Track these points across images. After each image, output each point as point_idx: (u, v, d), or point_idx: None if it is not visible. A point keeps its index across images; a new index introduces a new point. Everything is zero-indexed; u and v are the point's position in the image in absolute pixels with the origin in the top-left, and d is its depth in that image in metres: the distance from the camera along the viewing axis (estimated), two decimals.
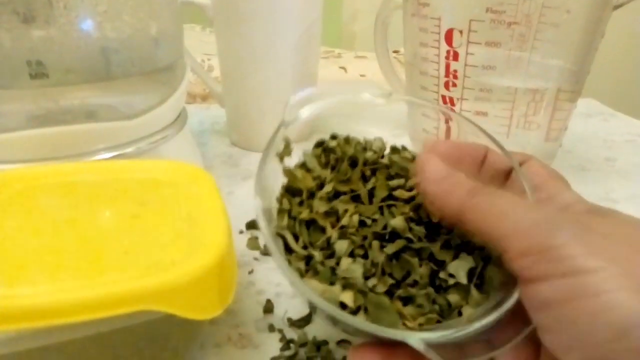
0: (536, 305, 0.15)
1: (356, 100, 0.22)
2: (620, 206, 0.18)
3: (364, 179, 0.21)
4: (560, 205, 0.19)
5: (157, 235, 0.19)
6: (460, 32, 0.32)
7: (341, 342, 0.22)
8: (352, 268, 0.17)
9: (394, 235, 0.18)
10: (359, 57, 0.75)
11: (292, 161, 0.21)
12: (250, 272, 0.27)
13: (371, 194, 0.20)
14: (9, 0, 0.23)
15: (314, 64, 0.42)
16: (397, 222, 0.18)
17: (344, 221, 0.19)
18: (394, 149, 0.22)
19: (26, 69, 0.25)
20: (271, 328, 0.23)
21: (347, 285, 0.17)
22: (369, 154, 0.21)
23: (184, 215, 0.20)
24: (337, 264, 0.18)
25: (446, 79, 0.34)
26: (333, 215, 0.19)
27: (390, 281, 0.18)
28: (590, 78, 0.36)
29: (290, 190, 0.20)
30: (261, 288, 0.25)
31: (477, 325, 0.16)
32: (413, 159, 0.21)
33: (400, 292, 0.18)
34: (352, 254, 0.18)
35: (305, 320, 0.23)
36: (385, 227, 0.19)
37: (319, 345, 0.22)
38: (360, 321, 0.16)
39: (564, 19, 0.32)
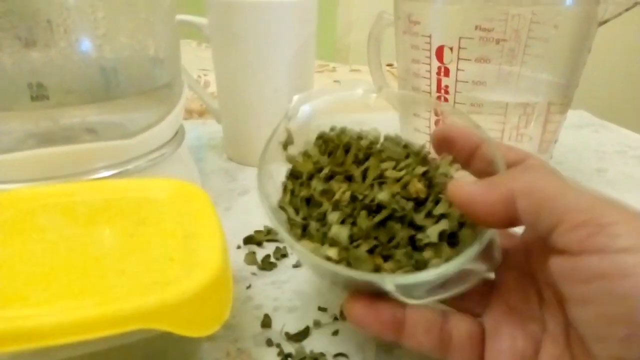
0: (582, 277, 0.16)
1: (351, 96, 0.26)
2: None
3: (359, 162, 0.23)
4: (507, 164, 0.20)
5: (153, 254, 0.19)
6: (451, 49, 0.33)
7: (338, 356, 0.22)
8: (339, 231, 0.20)
9: (381, 207, 0.21)
10: (353, 70, 0.76)
11: (295, 150, 0.25)
12: (248, 287, 0.27)
13: (365, 175, 0.23)
14: (12, 26, 0.24)
15: (309, 79, 0.43)
16: (383, 195, 0.21)
17: (337, 196, 0.22)
18: (387, 137, 0.25)
19: (27, 91, 0.25)
20: (269, 342, 0.23)
21: (333, 243, 0.20)
22: (364, 142, 0.24)
23: (180, 234, 0.20)
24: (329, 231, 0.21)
25: (438, 94, 0.35)
26: (329, 193, 0.22)
27: (374, 242, 0.20)
28: (580, 90, 0.37)
29: (293, 174, 0.24)
30: (259, 303, 0.26)
31: (439, 270, 0.19)
32: (405, 145, 0.24)
33: (381, 249, 0.20)
34: (342, 223, 0.21)
35: (303, 334, 0.24)
36: (373, 200, 0.21)
37: (317, 358, 0.22)
38: (341, 268, 0.19)
39: (552, 34, 0.33)
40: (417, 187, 0.21)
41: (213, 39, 0.40)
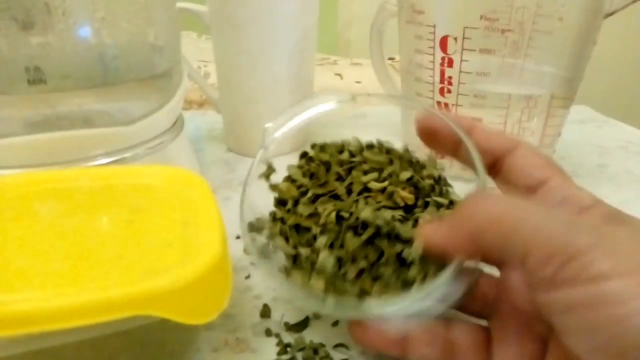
0: (559, 309, 0.15)
1: (325, 110, 0.24)
2: None
3: (341, 178, 0.23)
4: (578, 207, 0.18)
5: (151, 240, 0.19)
6: (455, 39, 0.33)
7: (338, 346, 0.22)
8: (326, 258, 0.20)
9: (366, 224, 0.21)
10: (354, 64, 0.75)
11: (279, 176, 0.25)
12: (247, 277, 0.27)
13: (350, 190, 0.22)
14: (8, 7, 0.24)
15: (310, 70, 0.42)
16: (365, 213, 0.21)
17: (322, 219, 0.21)
18: (369, 145, 0.25)
19: (24, 75, 0.25)
20: (268, 332, 0.23)
21: (320, 272, 0.20)
22: (344, 156, 0.24)
23: (179, 221, 0.20)
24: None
25: (441, 85, 0.35)
26: (317, 216, 0.22)
27: (362, 265, 0.20)
28: (583, 85, 0.37)
29: (280, 202, 0.24)
30: (258, 293, 0.26)
31: (420, 294, 0.19)
32: (387, 151, 0.24)
33: (369, 272, 0.20)
34: (332, 246, 0.21)
35: (302, 325, 0.23)
36: (357, 219, 0.21)
37: (316, 349, 0.22)
38: (327, 309, 0.20)
39: (556, 27, 0.32)
40: (402, 194, 0.21)
41: (213, 28, 0.40)
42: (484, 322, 0.21)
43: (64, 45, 0.26)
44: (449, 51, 0.33)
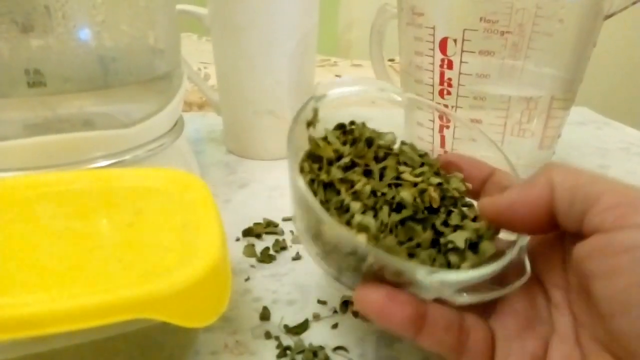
0: (616, 250, 0.16)
1: (377, 92, 0.26)
2: None
3: (377, 160, 0.23)
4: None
5: (151, 243, 0.19)
6: (455, 41, 0.33)
7: (337, 349, 0.22)
8: (367, 219, 0.19)
9: (401, 206, 0.21)
10: (355, 65, 0.75)
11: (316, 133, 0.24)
12: (247, 279, 0.27)
13: (382, 174, 0.22)
14: (8, 10, 0.24)
15: (311, 72, 0.42)
16: (406, 194, 0.21)
17: (357, 187, 0.21)
18: (404, 142, 0.25)
19: (24, 77, 0.25)
20: (268, 335, 0.23)
21: (361, 229, 0.19)
22: (382, 142, 0.24)
23: (178, 223, 0.20)
24: (351, 219, 0.20)
25: (441, 87, 0.35)
26: (348, 182, 0.21)
27: (400, 238, 0.20)
28: (583, 87, 0.37)
29: (312, 157, 0.23)
30: (258, 295, 0.26)
31: (474, 273, 0.18)
32: (421, 155, 0.24)
33: (406, 248, 0.20)
34: (364, 214, 0.20)
35: (302, 327, 0.23)
36: (393, 198, 0.21)
37: (316, 351, 0.22)
38: (377, 251, 0.18)
39: (556, 29, 0.32)
40: (432, 195, 0.21)
41: (213, 30, 0.40)
42: None
43: (64, 48, 0.26)
44: (448, 53, 0.33)
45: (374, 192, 0.21)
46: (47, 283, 0.17)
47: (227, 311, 0.24)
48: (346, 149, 0.23)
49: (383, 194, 0.21)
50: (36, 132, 0.26)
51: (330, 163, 0.22)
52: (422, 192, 0.21)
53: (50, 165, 0.26)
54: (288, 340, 0.22)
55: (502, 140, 0.35)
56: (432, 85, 0.35)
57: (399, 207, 0.21)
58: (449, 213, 0.21)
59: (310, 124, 0.24)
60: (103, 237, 0.20)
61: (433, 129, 0.37)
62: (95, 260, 0.18)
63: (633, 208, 0.16)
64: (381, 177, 0.22)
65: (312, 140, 0.23)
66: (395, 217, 0.20)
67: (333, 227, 0.18)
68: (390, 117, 0.50)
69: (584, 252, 0.17)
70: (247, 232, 0.31)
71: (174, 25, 0.33)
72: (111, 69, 0.28)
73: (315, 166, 0.22)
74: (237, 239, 0.30)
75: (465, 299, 0.18)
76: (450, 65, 0.34)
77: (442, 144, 0.37)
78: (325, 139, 0.23)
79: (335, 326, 0.23)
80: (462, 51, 0.33)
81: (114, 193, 0.22)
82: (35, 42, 0.25)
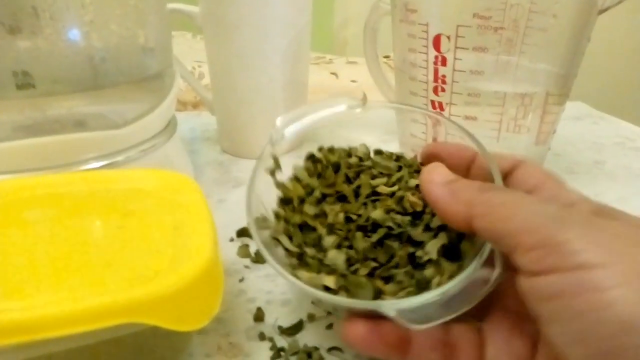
0: (544, 296, 0.16)
1: (335, 112, 0.25)
2: None
3: (349, 181, 0.23)
4: (565, 203, 0.19)
5: (142, 246, 0.19)
6: (448, 37, 0.32)
7: (332, 349, 0.22)
8: (336, 256, 0.20)
9: (376, 225, 0.20)
10: (350, 62, 0.75)
11: (284, 175, 0.24)
12: (241, 280, 0.27)
13: (357, 193, 0.22)
14: None
15: (304, 70, 0.42)
16: (377, 213, 0.20)
17: (330, 219, 0.21)
18: (377, 152, 0.24)
19: (12, 79, 0.25)
20: (262, 336, 0.23)
21: (331, 271, 0.19)
22: (353, 159, 0.24)
23: (170, 225, 0.20)
24: (324, 257, 0.20)
25: (435, 84, 0.34)
26: (323, 216, 0.21)
27: (373, 264, 0.20)
28: (578, 81, 0.37)
29: (284, 200, 0.23)
30: (252, 296, 0.25)
31: (440, 290, 0.18)
32: (396, 158, 0.24)
33: (381, 272, 0.20)
34: (339, 247, 0.20)
35: (296, 328, 0.23)
36: (367, 220, 0.20)
37: (310, 352, 0.21)
38: (340, 299, 0.19)
39: (550, 24, 0.32)
40: (412, 200, 0.21)
41: (205, 29, 0.39)
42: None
43: (52, 49, 0.26)
44: (442, 50, 0.33)
45: (348, 219, 0.21)
46: (36, 287, 0.16)
47: (221, 312, 0.24)
48: (316, 182, 0.23)
49: (359, 215, 0.21)
50: (26, 134, 0.26)
51: (303, 201, 0.22)
52: (400, 200, 0.21)
53: (41, 168, 0.26)
54: (282, 341, 0.22)
55: (498, 137, 0.35)
56: (426, 82, 0.35)
57: (375, 227, 0.20)
58: (433, 217, 0.21)
59: (273, 172, 0.24)
60: (93, 240, 0.20)
61: (426, 124, 0.37)
62: (85, 264, 0.18)
63: (551, 248, 0.15)
64: (357, 195, 0.22)
65: (279, 185, 0.23)
66: (370, 240, 0.20)
67: (296, 283, 0.19)
68: (382, 115, 0.49)
69: (520, 290, 0.17)
70: (242, 233, 0.31)
71: (165, 24, 0.33)
72: (101, 69, 0.28)
73: (289, 208, 0.22)
74: (231, 240, 0.30)
75: (418, 327, 0.17)
76: (444, 62, 0.33)
77: (435, 140, 0.37)
78: (294, 177, 0.24)
79: (329, 326, 0.23)
80: (456, 48, 0.32)
81: (104, 195, 0.22)
82: (23, 44, 0.25)
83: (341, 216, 0.21)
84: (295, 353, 0.21)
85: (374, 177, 0.23)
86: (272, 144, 0.24)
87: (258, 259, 0.28)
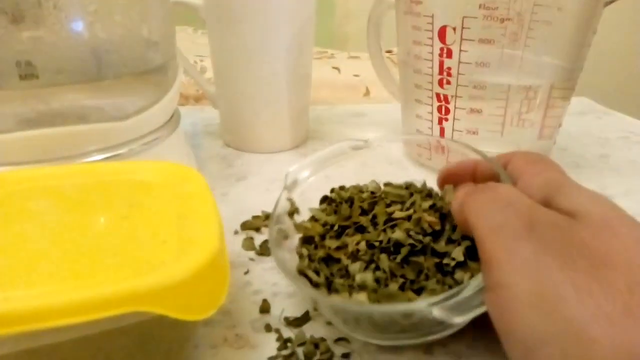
0: (489, 309, 0.17)
1: (340, 152, 0.27)
2: (615, 202, 0.18)
3: (365, 213, 0.24)
4: (531, 194, 0.20)
5: (147, 236, 0.19)
6: (454, 29, 0.32)
7: (339, 340, 0.22)
8: (364, 277, 0.20)
9: (399, 245, 0.21)
10: (352, 57, 0.75)
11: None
12: (246, 272, 0.26)
13: (375, 222, 0.23)
14: None
15: (308, 64, 0.42)
16: (397, 234, 0.21)
17: (351, 247, 0.22)
18: (387, 184, 0.26)
19: (15, 69, 0.24)
20: (268, 328, 0.22)
21: (361, 289, 0.20)
22: (365, 194, 0.25)
23: (175, 216, 0.20)
24: (353, 281, 0.21)
25: (440, 76, 0.34)
26: (345, 247, 0.22)
27: (401, 280, 0.20)
28: (583, 77, 0.36)
29: (305, 240, 0.24)
30: (257, 288, 0.25)
31: (469, 283, 0.18)
32: (406, 187, 0.25)
33: (411, 285, 0.20)
34: (366, 269, 0.21)
35: (303, 319, 0.23)
36: (389, 242, 0.21)
37: (317, 343, 0.21)
38: (378, 306, 0.19)
39: (555, 17, 0.32)
40: (429, 219, 0.22)
41: (209, 22, 0.39)
42: None
43: (55, 39, 0.25)
44: (447, 41, 0.33)
45: (371, 245, 0.22)
46: (41, 277, 0.16)
47: (227, 304, 0.23)
48: (333, 218, 0.24)
49: (380, 242, 0.21)
50: (29, 125, 0.26)
51: (323, 237, 0.23)
52: (418, 221, 0.22)
53: (44, 160, 0.26)
54: (289, 333, 0.22)
55: (502, 131, 0.35)
56: (432, 75, 0.35)
57: (397, 248, 0.21)
58: (454, 228, 0.22)
59: (292, 214, 0.25)
60: (98, 231, 0.19)
61: (432, 121, 0.36)
62: (91, 254, 0.18)
63: (486, 267, 0.17)
64: (375, 225, 0.23)
65: (298, 226, 0.25)
66: (395, 260, 0.21)
67: (331, 302, 0.20)
68: (387, 112, 0.49)
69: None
70: (246, 225, 0.30)
71: (168, 17, 0.32)
72: (105, 60, 0.28)
73: (311, 247, 0.23)
74: (236, 232, 0.30)
75: (460, 319, 0.18)
76: (449, 54, 0.33)
77: (442, 136, 0.36)
78: (312, 218, 0.25)
79: None
80: (462, 39, 0.32)
81: (109, 186, 0.22)
82: (26, 33, 0.25)
83: (363, 243, 0.22)
84: (302, 344, 0.21)
85: (388, 206, 0.23)
86: (287, 189, 0.25)
87: (263, 251, 0.28)
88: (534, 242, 0.16)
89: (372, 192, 0.25)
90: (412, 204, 0.23)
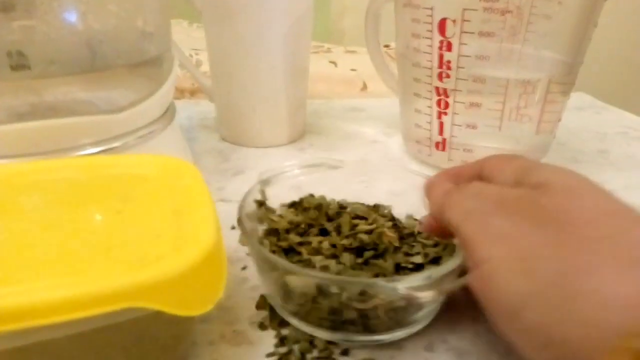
0: (475, 289, 0.18)
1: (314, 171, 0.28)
2: None
3: (330, 220, 0.25)
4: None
5: (142, 230, 0.18)
6: (454, 21, 0.32)
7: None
8: (327, 261, 0.21)
9: (361, 250, 0.22)
10: (349, 51, 0.74)
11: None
12: (243, 268, 0.26)
13: (339, 230, 0.24)
14: None
15: (305, 57, 0.41)
16: (364, 236, 0.23)
17: (315, 245, 0.23)
18: (354, 203, 0.27)
19: (6, 60, 0.24)
20: (265, 325, 0.22)
21: (323, 269, 0.21)
22: (332, 205, 0.26)
23: (170, 210, 0.19)
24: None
25: (439, 70, 0.34)
26: (308, 244, 0.23)
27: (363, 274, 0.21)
28: (581, 72, 0.36)
29: (269, 232, 0.25)
30: (255, 284, 0.25)
31: (448, 265, 0.19)
32: (373, 207, 0.27)
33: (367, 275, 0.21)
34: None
35: None
36: (351, 244, 0.23)
37: (313, 339, 0.21)
38: (349, 278, 0.20)
39: (555, 11, 0.31)
40: (390, 236, 0.23)
41: (205, 14, 0.39)
42: None
43: (48, 29, 0.25)
44: (447, 34, 0.33)
45: (334, 245, 0.23)
46: (35, 273, 0.16)
47: (224, 301, 0.23)
48: (300, 218, 0.25)
49: (343, 245, 0.22)
50: (21, 118, 0.25)
51: (288, 232, 0.24)
52: (379, 236, 0.23)
53: (36, 153, 0.25)
54: (287, 330, 0.22)
55: (500, 126, 0.35)
56: (431, 69, 0.34)
57: (359, 252, 0.22)
58: (412, 247, 0.23)
59: (262, 203, 0.26)
60: (93, 225, 0.19)
61: (431, 115, 0.36)
62: (85, 250, 0.17)
63: (467, 249, 0.18)
64: (339, 232, 0.24)
65: (265, 218, 0.25)
66: (358, 260, 0.22)
67: (297, 272, 0.20)
68: (385, 107, 0.49)
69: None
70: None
71: (163, 7, 0.32)
72: (98, 51, 0.27)
73: (274, 239, 0.24)
74: (233, 227, 0.30)
75: (425, 294, 0.19)
76: (449, 47, 0.33)
77: (441, 131, 0.36)
78: (279, 215, 0.26)
79: None
80: (462, 32, 0.32)
81: (102, 180, 0.22)
82: (17, 23, 0.24)
83: (326, 243, 0.23)
84: (298, 340, 0.21)
85: (353, 218, 0.25)
86: (261, 182, 0.26)
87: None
88: (504, 216, 0.18)
89: (340, 205, 0.26)
90: (375, 220, 0.24)
